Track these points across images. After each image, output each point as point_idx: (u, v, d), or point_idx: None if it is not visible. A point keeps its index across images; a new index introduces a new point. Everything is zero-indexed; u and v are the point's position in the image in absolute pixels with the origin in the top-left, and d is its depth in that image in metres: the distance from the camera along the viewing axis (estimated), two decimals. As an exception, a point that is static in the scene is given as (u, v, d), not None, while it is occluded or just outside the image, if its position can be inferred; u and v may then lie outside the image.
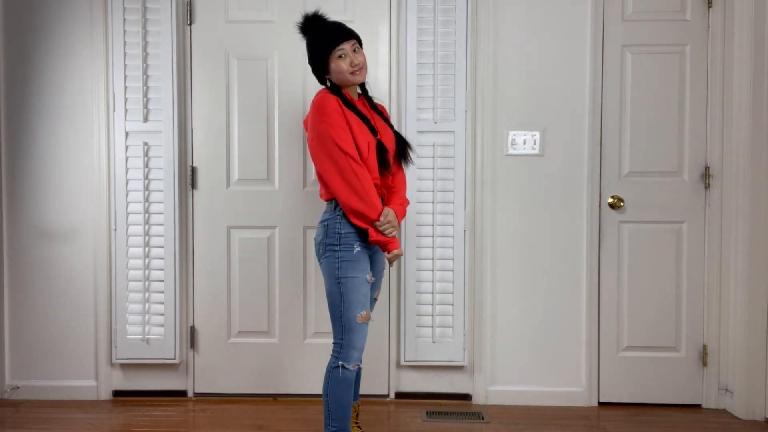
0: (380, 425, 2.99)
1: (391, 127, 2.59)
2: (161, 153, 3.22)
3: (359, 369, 2.50)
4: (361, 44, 2.51)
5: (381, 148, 2.45)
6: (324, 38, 2.45)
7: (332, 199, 2.47)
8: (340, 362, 2.41)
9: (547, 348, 3.25)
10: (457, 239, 3.20)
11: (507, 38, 3.21)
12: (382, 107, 2.65)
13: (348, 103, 2.45)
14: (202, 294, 3.31)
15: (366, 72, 2.50)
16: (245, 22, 3.26)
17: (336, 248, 2.42)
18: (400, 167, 2.60)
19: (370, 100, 2.59)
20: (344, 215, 2.42)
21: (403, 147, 2.58)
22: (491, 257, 3.23)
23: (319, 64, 2.48)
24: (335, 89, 2.48)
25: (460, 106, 3.18)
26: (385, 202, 2.52)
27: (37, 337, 3.29)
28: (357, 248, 2.42)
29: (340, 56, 2.43)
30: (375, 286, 2.62)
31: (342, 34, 2.45)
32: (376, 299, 2.66)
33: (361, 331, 2.43)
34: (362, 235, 2.42)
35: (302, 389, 3.31)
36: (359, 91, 2.58)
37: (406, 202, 2.59)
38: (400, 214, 2.52)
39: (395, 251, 2.43)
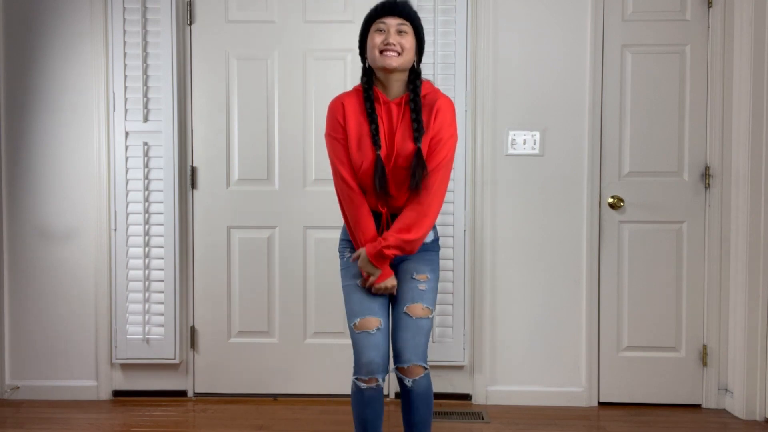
0: (380, 425, 2.99)
1: (417, 139, 2.12)
2: (161, 153, 3.22)
3: (409, 386, 2.14)
4: (417, 30, 2.16)
5: (378, 166, 2.12)
6: (373, 9, 2.16)
7: None
8: (353, 376, 2.16)
9: (547, 348, 3.25)
10: (457, 239, 3.20)
11: (507, 38, 3.21)
12: (438, 110, 2.16)
13: (370, 102, 2.15)
14: (202, 294, 3.31)
15: (405, 59, 2.12)
16: (245, 22, 3.26)
17: (339, 256, 2.33)
18: (415, 191, 2.14)
19: (415, 100, 2.15)
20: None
21: (414, 168, 2.12)
22: (491, 257, 3.23)
23: (362, 37, 2.20)
24: (368, 77, 2.19)
25: (460, 106, 3.17)
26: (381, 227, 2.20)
27: (37, 337, 3.29)
28: (348, 254, 2.27)
29: (379, 29, 2.13)
30: (400, 298, 2.20)
31: (391, 8, 2.13)
32: (407, 314, 2.17)
33: (361, 341, 2.13)
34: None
35: (302, 389, 3.31)
36: (411, 86, 2.17)
37: (392, 242, 2.12)
38: (373, 255, 2.13)
39: (377, 285, 2.16)
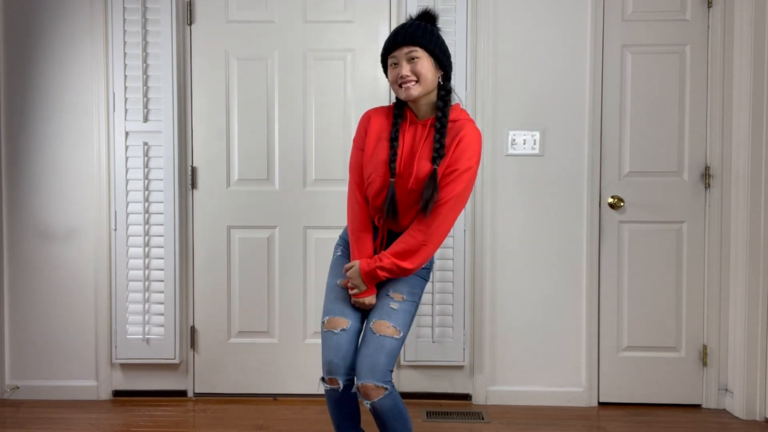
0: (380, 425, 2.99)
1: (434, 160, 2.09)
2: (161, 153, 3.22)
3: (383, 403, 2.06)
4: (431, 50, 2.10)
5: (390, 193, 2.12)
6: (385, 44, 2.17)
7: None
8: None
9: (547, 348, 3.25)
10: (457, 239, 3.20)
11: (507, 38, 3.21)
12: (460, 140, 2.10)
13: (396, 122, 2.16)
14: (202, 294, 3.31)
15: (424, 86, 2.10)
16: (245, 22, 3.26)
17: (333, 253, 2.35)
18: (422, 214, 2.10)
19: (441, 120, 2.11)
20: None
21: (426, 189, 2.08)
22: (491, 257, 3.23)
23: (384, 72, 2.21)
24: (398, 101, 2.21)
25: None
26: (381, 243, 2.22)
27: (37, 337, 3.29)
28: (338, 252, 2.30)
29: (393, 63, 2.13)
30: (371, 314, 2.17)
31: (397, 38, 2.10)
32: (371, 330, 2.10)
33: (325, 340, 2.13)
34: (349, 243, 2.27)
35: (302, 389, 3.31)
36: (440, 102, 2.14)
37: (386, 264, 2.11)
38: (366, 272, 2.13)
39: (357, 299, 2.17)
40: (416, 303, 2.23)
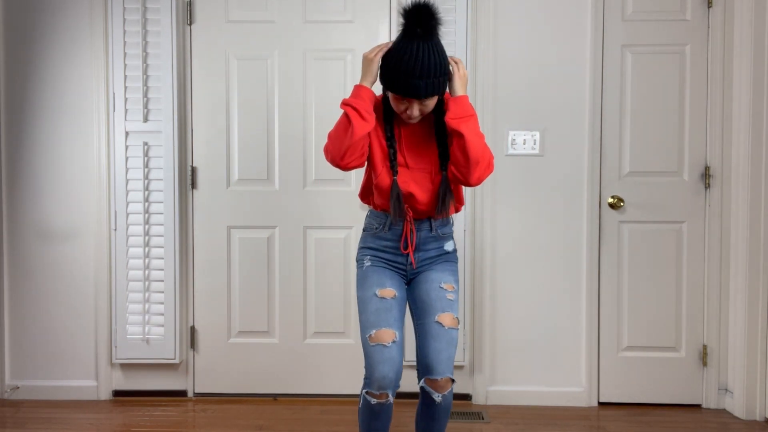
0: (380, 425, 2.98)
1: (443, 164, 2.11)
2: (161, 153, 3.21)
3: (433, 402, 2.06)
4: (443, 93, 2.06)
5: (394, 193, 2.09)
6: (393, 80, 2.00)
7: (367, 204, 2.27)
8: (363, 389, 2.09)
9: (547, 348, 3.25)
10: (457, 239, 3.16)
11: (507, 38, 3.21)
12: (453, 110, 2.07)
13: (390, 125, 2.11)
14: (202, 294, 3.31)
15: (428, 112, 2.08)
16: (245, 22, 3.26)
17: (357, 265, 2.24)
18: (440, 212, 2.16)
19: (442, 121, 2.09)
20: (365, 228, 2.24)
21: (443, 195, 2.12)
22: (491, 257, 3.23)
23: (383, 86, 2.09)
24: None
25: (460, 106, 3.17)
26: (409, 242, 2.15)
27: (37, 337, 3.29)
28: (367, 263, 2.18)
29: (401, 100, 2.03)
30: (430, 307, 2.11)
31: (419, 92, 1.98)
32: (439, 324, 2.07)
33: (375, 355, 2.02)
34: (375, 249, 2.19)
35: (302, 389, 3.31)
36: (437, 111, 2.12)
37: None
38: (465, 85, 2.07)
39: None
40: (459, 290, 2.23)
